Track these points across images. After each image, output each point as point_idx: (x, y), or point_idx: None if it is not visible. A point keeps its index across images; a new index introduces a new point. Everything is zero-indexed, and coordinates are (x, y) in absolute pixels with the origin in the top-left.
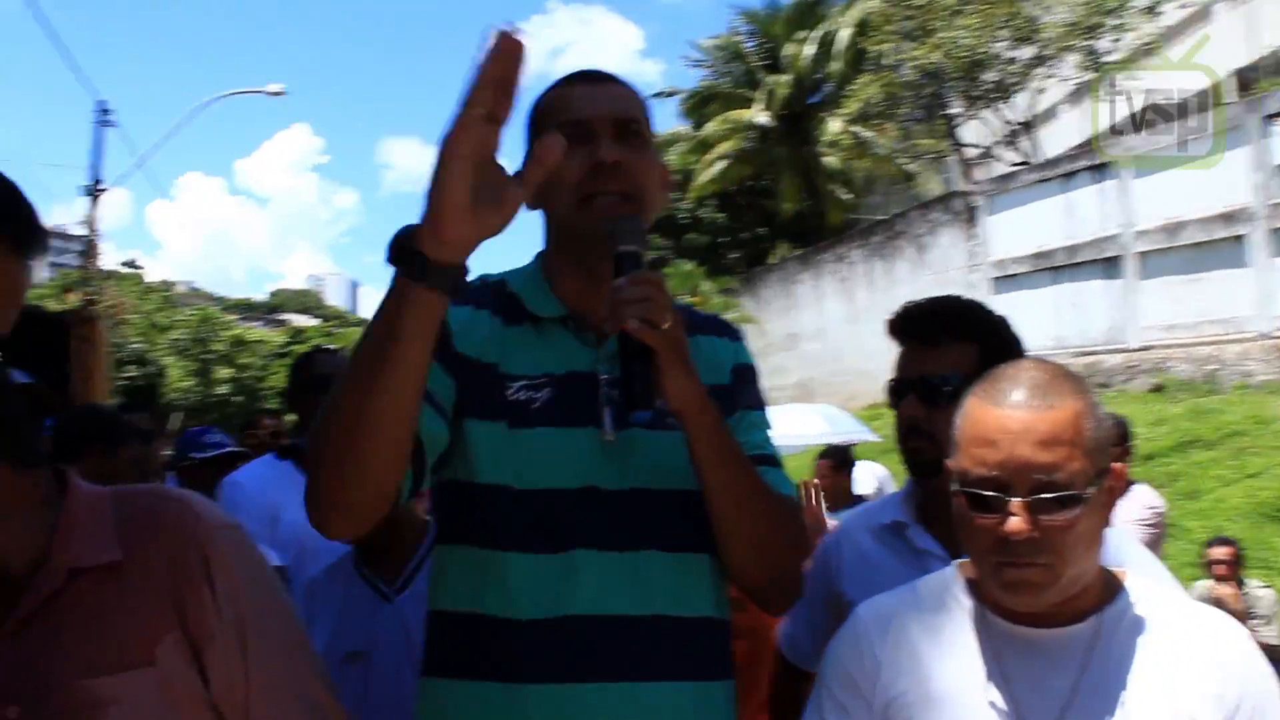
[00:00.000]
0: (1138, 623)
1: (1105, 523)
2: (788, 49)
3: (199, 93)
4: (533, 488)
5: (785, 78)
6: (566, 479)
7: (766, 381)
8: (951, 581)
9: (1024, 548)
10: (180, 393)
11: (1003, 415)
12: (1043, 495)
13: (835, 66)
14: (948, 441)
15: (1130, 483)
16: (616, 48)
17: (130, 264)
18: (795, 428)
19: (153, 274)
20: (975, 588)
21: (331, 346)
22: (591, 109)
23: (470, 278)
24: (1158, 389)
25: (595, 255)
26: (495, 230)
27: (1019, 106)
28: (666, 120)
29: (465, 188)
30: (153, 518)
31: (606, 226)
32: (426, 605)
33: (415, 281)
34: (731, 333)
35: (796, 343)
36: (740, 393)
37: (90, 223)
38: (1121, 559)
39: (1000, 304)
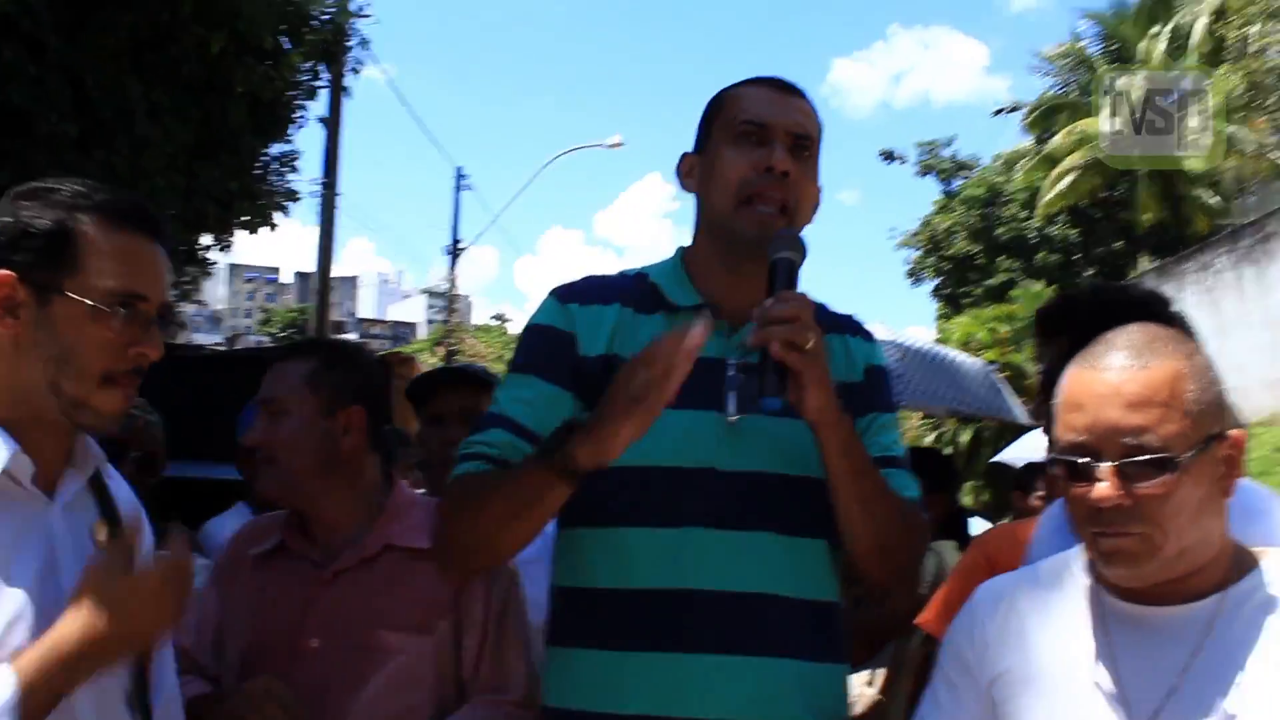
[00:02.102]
0: (1270, 603)
1: (1222, 493)
2: (1140, 46)
3: (548, 152)
4: (654, 465)
5: (1137, 79)
6: (687, 458)
7: None
8: (1073, 560)
9: (1115, 515)
10: None
11: (1093, 378)
12: (1133, 460)
13: (1191, 61)
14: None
15: None
16: (961, 66)
17: (499, 317)
18: None
19: (518, 326)
20: (1094, 565)
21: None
22: (773, 115)
23: (611, 273)
24: None
25: (742, 253)
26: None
27: None
28: (1011, 137)
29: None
30: None
31: (766, 234)
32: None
33: (563, 478)
34: (865, 333)
35: None
36: (873, 394)
37: (451, 281)
38: None
39: None
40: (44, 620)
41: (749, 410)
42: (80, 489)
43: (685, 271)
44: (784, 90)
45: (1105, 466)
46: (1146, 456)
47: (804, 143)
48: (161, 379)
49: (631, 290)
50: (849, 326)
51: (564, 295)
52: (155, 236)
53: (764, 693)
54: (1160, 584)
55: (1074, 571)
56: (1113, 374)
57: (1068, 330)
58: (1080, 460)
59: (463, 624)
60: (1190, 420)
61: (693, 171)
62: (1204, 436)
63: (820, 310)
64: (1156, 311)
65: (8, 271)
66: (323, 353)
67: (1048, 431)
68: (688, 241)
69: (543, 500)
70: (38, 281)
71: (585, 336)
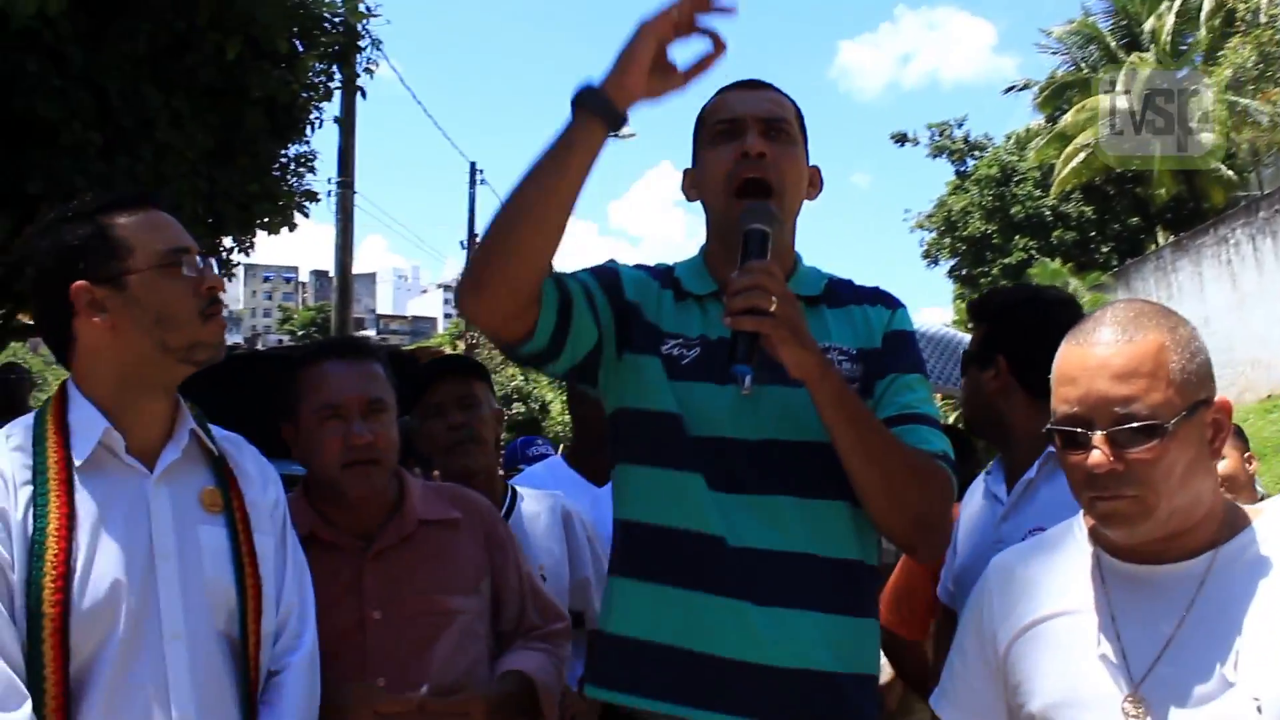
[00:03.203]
0: (1260, 561)
1: (1211, 455)
2: (1148, 23)
3: None
4: (696, 434)
5: (1148, 54)
6: (710, 429)
7: None
8: (1075, 527)
9: (1109, 480)
10: (563, 425)
11: (1084, 353)
12: (1124, 427)
13: (1202, 34)
14: (970, 407)
15: None
16: (967, 46)
17: None
18: None
19: None
20: (1093, 529)
21: None
22: (742, 108)
23: (635, 260)
24: None
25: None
26: (655, 96)
27: None
28: (1023, 116)
29: (648, 57)
30: (469, 499)
31: (739, 209)
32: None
33: (591, 111)
34: (889, 302)
35: None
36: (892, 356)
37: None
38: None
39: None
40: (136, 583)
41: (764, 383)
42: (177, 459)
43: (705, 265)
44: (750, 86)
45: (1098, 435)
46: (1135, 424)
47: (778, 124)
48: (203, 380)
49: (669, 280)
50: (869, 297)
51: (614, 262)
52: (160, 207)
53: (782, 638)
54: (1155, 542)
55: (1076, 536)
56: (1102, 348)
57: (987, 319)
58: (1075, 430)
59: (499, 588)
60: (1175, 389)
61: (693, 182)
62: (1190, 404)
63: (843, 284)
64: (1073, 311)
65: (81, 282)
66: (379, 353)
67: (966, 406)
68: (703, 234)
69: (573, 146)
70: (107, 277)
71: (634, 289)
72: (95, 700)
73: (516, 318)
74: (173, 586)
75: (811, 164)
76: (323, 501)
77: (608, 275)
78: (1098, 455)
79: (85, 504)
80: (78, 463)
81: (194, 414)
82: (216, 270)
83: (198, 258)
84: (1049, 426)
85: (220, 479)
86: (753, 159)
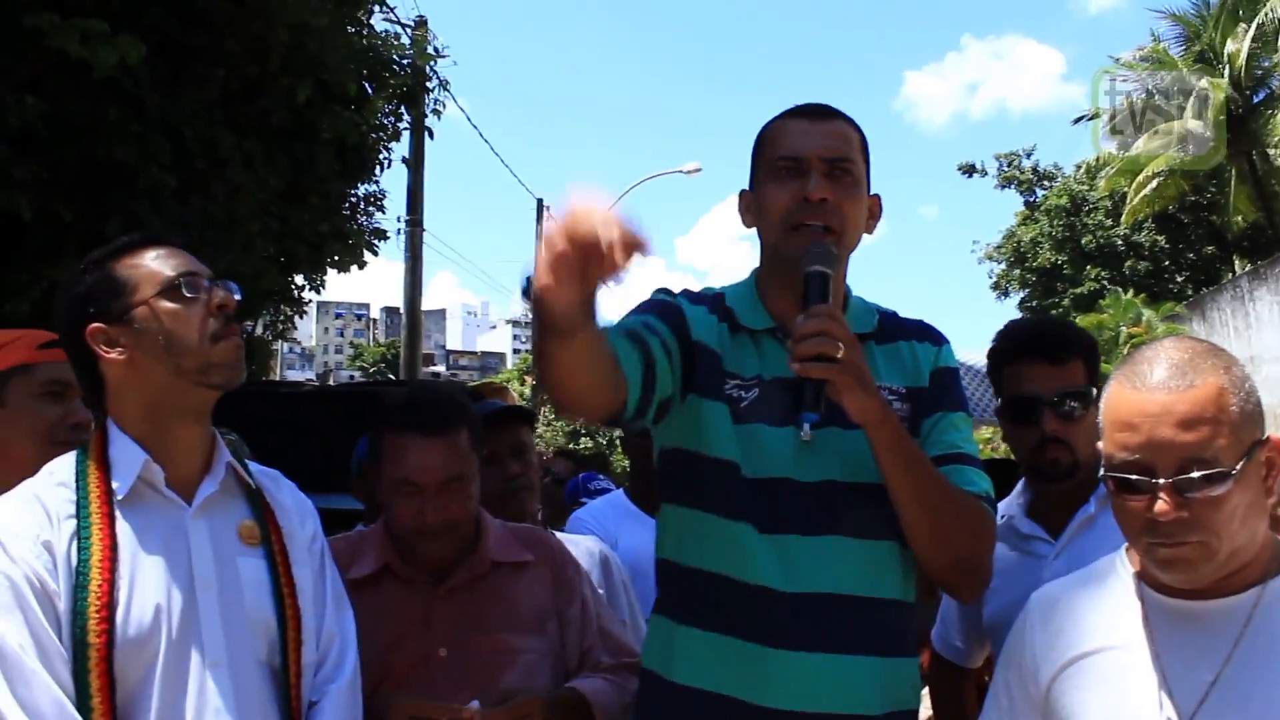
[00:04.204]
0: None
1: (1266, 493)
2: (1223, 49)
3: (626, 181)
4: (754, 476)
5: (1221, 79)
6: (769, 470)
7: None
8: (1118, 562)
9: (1174, 528)
10: None
11: (1142, 398)
12: (1188, 475)
13: (1278, 58)
14: (1085, 446)
15: None
16: (1035, 75)
17: None
18: None
19: None
20: (1139, 564)
21: None
22: (805, 146)
23: (698, 289)
24: None
25: (798, 277)
26: (595, 287)
27: None
28: (1093, 145)
29: (568, 300)
30: (542, 542)
31: (800, 250)
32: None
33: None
34: (934, 338)
35: (1257, 366)
36: (939, 395)
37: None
38: None
39: None
40: (178, 612)
41: (820, 426)
42: (215, 492)
43: (757, 293)
44: (815, 117)
45: (1163, 484)
46: (1202, 472)
47: (841, 164)
48: (267, 414)
49: (721, 309)
50: (916, 333)
51: (668, 291)
52: (170, 244)
53: (838, 684)
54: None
55: (1119, 573)
56: (1161, 393)
57: (1082, 350)
58: (1136, 478)
59: (563, 624)
60: (1235, 432)
61: (750, 208)
62: (1249, 444)
63: (890, 318)
64: (1088, 346)
65: (94, 324)
66: (467, 413)
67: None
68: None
69: (547, 333)
70: (116, 314)
71: (697, 326)
72: None
73: (606, 403)
74: (214, 616)
75: (872, 193)
76: (399, 541)
77: (673, 315)
78: (1163, 505)
79: (126, 536)
80: (119, 495)
81: (231, 448)
82: (234, 293)
83: (205, 280)
84: (1105, 472)
85: (258, 512)
86: (815, 204)
